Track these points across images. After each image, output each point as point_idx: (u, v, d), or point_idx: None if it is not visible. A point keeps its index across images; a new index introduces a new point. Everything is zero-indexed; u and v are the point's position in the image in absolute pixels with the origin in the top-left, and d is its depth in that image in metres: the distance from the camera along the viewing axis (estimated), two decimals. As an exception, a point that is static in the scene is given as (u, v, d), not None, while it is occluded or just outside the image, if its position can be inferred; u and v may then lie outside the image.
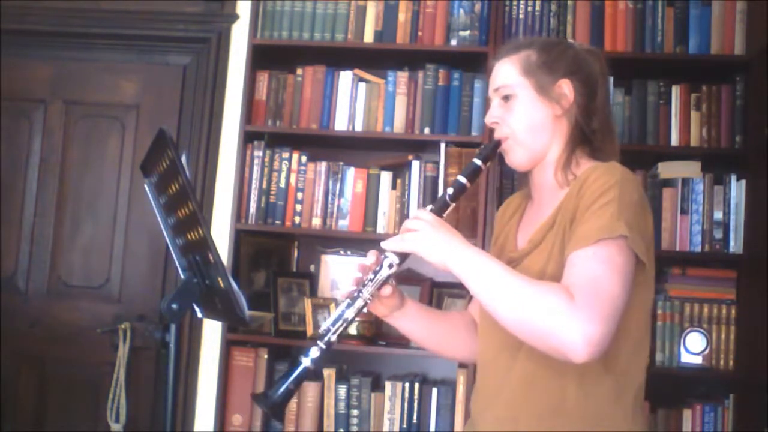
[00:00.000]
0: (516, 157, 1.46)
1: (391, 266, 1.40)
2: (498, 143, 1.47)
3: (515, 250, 1.48)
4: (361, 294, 1.41)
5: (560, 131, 1.44)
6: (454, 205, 1.43)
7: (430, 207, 1.42)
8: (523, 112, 1.44)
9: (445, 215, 1.42)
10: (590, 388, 1.32)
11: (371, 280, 1.41)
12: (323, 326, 1.41)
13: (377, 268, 1.41)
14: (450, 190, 1.43)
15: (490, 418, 1.43)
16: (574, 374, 1.30)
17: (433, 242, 1.34)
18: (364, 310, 1.43)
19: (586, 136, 1.45)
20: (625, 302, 1.26)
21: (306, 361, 1.36)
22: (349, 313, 1.40)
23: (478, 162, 1.45)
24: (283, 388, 1.35)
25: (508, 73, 1.46)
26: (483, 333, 1.51)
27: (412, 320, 1.57)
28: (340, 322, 1.40)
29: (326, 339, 1.39)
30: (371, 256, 1.44)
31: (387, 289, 1.45)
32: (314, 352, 1.37)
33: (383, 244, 1.41)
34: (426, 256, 1.35)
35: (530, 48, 1.46)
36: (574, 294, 1.22)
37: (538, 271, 1.36)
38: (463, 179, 1.43)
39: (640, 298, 1.35)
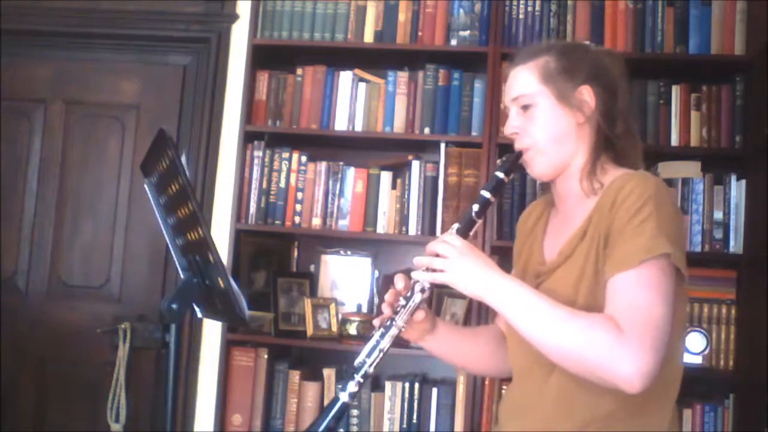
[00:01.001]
0: (539, 168, 1.42)
1: (423, 291, 1.36)
2: (519, 154, 1.42)
3: (543, 263, 1.43)
4: (394, 322, 1.36)
5: (583, 139, 1.41)
6: (480, 221, 1.39)
7: (456, 227, 1.37)
8: (545, 122, 1.39)
9: (472, 232, 1.38)
10: (625, 401, 1.28)
11: (403, 307, 1.37)
12: (359, 359, 1.36)
13: (408, 294, 1.37)
14: (475, 207, 1.38)
15: (521, 425, 1.40)
16: (610, 388, 1.24)
17: (464, 272, 1.30)
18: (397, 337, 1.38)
19: (610, 142, 1.41)
20: (670, 323, 1.23)
21: (344, 396, 1.32)
22: (384, 343, 1.35)
23: (501, 175, 1.41)
24: (323, 427, 1.30)
25: (526, 81, 1.41)
26: (512, 345, 1.48)
27: (442, 342, 1.54)
28: (376, 352, 1.35)
29: (363, 372, 1.34)
30: (400, 281, 1.40)
31: (420, 314, 1.42)
32: (352, 387, 1.32)
33: (414, 275, 1.36)
34: (459, 288, 1.31)
35: (548, 53, 1.42)
36: (621, 325, 1.20)
37: (570, 286, 1.33)
38: (487, 194, 1.39)
39: (678, 310, 1.30)
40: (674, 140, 2.59)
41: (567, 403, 1.33)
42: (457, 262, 1.31)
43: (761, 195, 2.35)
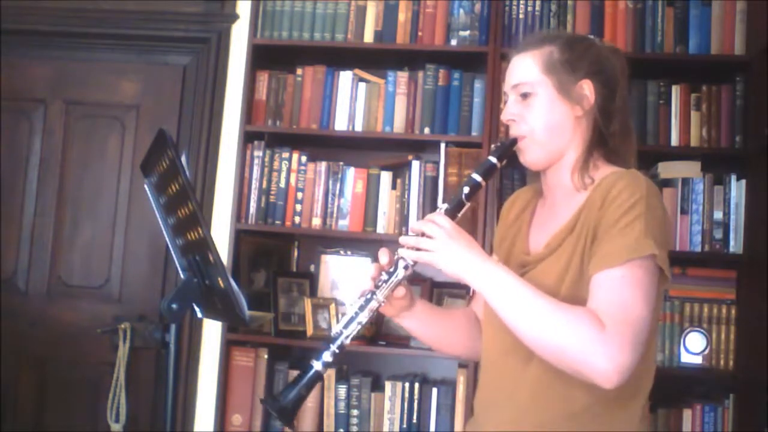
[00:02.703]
0: (532, 157, 1.42)
1: (406, 267, 1.36)
2: (514, 141, 1.42)
3: (529, 253, 1.44)
4: (375, 296, 1.36)
5: (579, 133, 1.41)
6: (469, 204, 1.39)
7: (445, 207, 1.37)
8: (543, 111, 1.39)
9: (460, 215, 1.38)
10: (600, 394, 1.29)
11: (385, 282, 1.37)
12: (335, 329, 1.36)
13: (391, 269, 1.37)
14: (465, 189, 1.38)
15: (496, 420, 1.40)
16: (584, 382, 1.27)
17: (451, 254, 1.30)
18: (377, 312, 1.39)
19: (605, 139, 1.41)
20: (651, 324, 1.25)
21: (318, 365, 1.33)
22: (363, 316, 1.36)
23: (494, 160, 1.41)
24: (294, 393, 1.31)
25: (528, 69, 1.41)
26: (489, 334, 1.49)
27: (418, 320, 1.53)
28: (354, 324, 1.35)
29: (339, 342, 1.34)
30: (384, 256, 1.40)
31: (400, 290, 1.41)
32: (327, 357, 1.33)
33: (401, 251, 1.36)
34: (444, 269, 1.31)
35: (553, 44, 1.41)
36: (603, 320, 1.21)
37: (555, 279, 1.33)
38: (478, 177, 1.39)
39: (656, 309, 1.32)
40: (674, 140, 2.59)
41: (543, 394, 1.34)
42: (444, 243, 1.31)
43: (761, 195, 2.35)
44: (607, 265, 1.25)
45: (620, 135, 1.43)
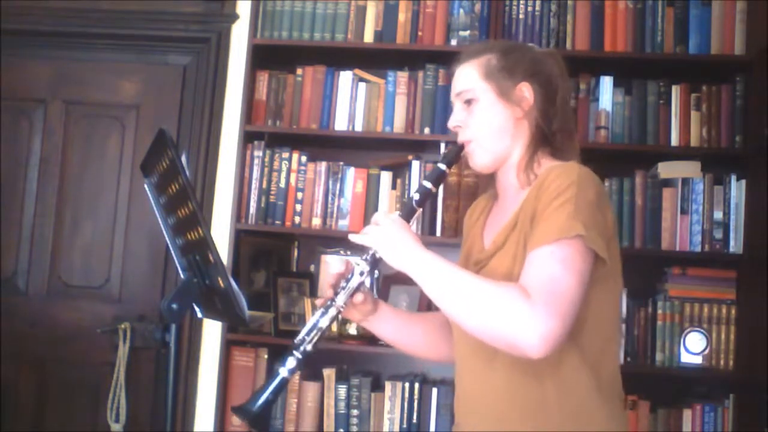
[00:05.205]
0: (479, 160, 1.49)
1: (361, 274, 1.42)
2: (461, 147, 1.49)
3: (482, 251, 1.49)
4: (334, 302, 1.43)
5: (521, 133, 1.47)
6: (420, 210, 1.47)
7: (397, 213, 1.44)
8: (485, 116, 1.47)
9: (412, 220, 1.45)
10: (568, 382, 1.35)
11: (343, 288, 1.43)
12: (299, 336, 1.42)
13: (349, 276, 1.44)
14: (416, 196, 1.46)
15: (474, 421, 1.44)
16: (552, 371, 1.32)
17: (392, 243, 1.37)
18: (338, 317, 1.45)
19: (547, 137, 1.47)
20: (581, 299, 1.27)
21: (283, 372, 1.38)
22: (324, 322, 1.42)
23: (443, 167, 1.48)
24: (262, 400, 1.36)
25: (469, 77, 1.49)
26: (457, 336, 1.53)
27: (387, 324, 1.59)
28: (315, 331, 1.42)
29: (302, 349, 1.41)
30: (342, 264, 1.46)
31: (359, 296, 1.48)
32: (291, 363, 1.39)
33: (350, 236, 1.43)
34: (384, 256, 1.38)
35: (491, 52, 1.49)
36: (530, 292, 1.25)
37: (504, 273, 1.38)
38: (428, 184, 1.46)
39: (607, 292, 1.37)
40: (674, 140, 2.59)
41: (511, 388, 1.38)
42: (387, 231, 1.37)
43: (761, 195, 2.35)
44: (537, 245, 1.30)
45: (562, 133, 1.48)
